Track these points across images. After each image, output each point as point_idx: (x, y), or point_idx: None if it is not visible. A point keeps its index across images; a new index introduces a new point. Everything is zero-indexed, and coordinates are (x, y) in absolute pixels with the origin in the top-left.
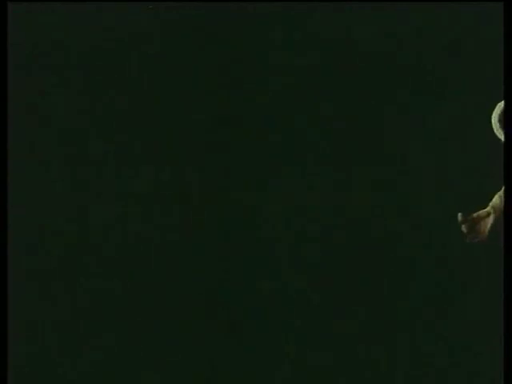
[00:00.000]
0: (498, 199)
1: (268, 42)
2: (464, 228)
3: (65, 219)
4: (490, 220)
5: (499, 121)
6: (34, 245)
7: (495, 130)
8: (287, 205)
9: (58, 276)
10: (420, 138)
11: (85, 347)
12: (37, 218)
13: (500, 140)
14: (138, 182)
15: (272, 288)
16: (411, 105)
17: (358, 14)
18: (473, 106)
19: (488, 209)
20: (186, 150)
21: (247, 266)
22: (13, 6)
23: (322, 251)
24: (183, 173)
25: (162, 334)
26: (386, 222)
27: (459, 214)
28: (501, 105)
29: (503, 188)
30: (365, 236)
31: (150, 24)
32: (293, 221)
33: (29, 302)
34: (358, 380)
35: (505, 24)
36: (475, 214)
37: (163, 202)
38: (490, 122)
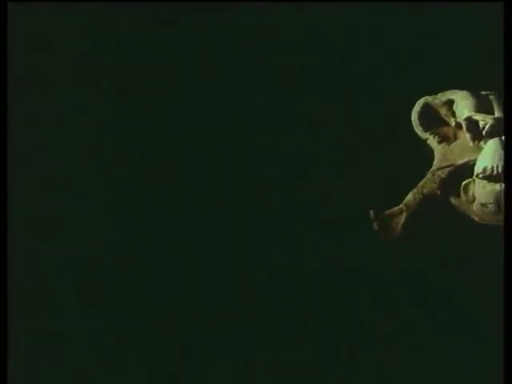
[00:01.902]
0: (411, 197)
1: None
2: (376, 225)
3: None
4: (403, 217)
5: (419, 118)
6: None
7: (415, 128)
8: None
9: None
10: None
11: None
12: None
13: (421, 137)
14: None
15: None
16: (410, 105)
17: (357, 13)
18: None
19: (401, 206)
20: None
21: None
22: (13, 6)
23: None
24: (181, 174)
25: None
26: None
27: (371, 212)
28: (420, 102)
29: (418, 186)
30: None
31: (152, 24)
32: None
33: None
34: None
35: (505, 24)
36: (388, 212)
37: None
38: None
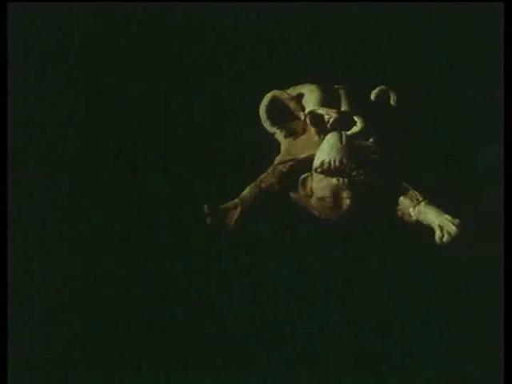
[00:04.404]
0: (248, 191)
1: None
2: (209, 220)
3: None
4: (237, 212)
5: (266, 112)
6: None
7: (263, 122)
8: None
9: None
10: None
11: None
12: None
13: (269, 132)
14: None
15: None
16: (407, 105)
17: (357, 12)
18: (475, 106)
19: (236, 201)
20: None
21: None
22: (13, 6)
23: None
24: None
25: None
26: None
27: (205, 206)
28: (268, 96)
29: (257, 180)
30: None
31: (153, 25)
32: None
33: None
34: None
35: (505, 24)
36: (222, 206)
37: None
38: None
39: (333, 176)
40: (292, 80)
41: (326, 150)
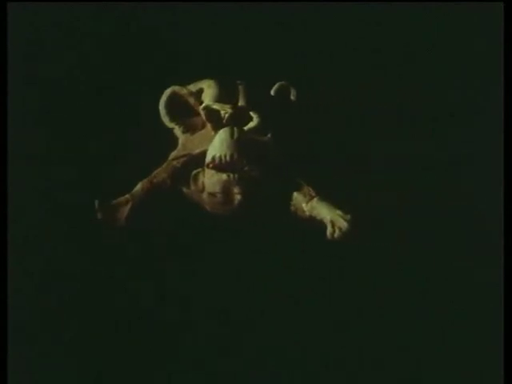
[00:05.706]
0: (139, 186)
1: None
2: (99, 215)
3: None
4: (128, 207)
5: (165, 107)
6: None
7: (162, 117)
8: None
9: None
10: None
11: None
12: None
13: (168, 127)
14: None
15: None
16: (405, 106)
17: (357, 12)
18: (475, 106)
19: (127, 196)
20: None
21: None
22: (13, 6)
23: None
24: None
25: None
26: None
27: (96, 202)
28: (167, 92)
29: (150, 175)
30: None
31: (155, 25)
32: None
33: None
34: None
35: (505, 24)
36: (114, 202)
37: None
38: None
39: (224, 171)
40: (197, 76)
41: (217, 146)
